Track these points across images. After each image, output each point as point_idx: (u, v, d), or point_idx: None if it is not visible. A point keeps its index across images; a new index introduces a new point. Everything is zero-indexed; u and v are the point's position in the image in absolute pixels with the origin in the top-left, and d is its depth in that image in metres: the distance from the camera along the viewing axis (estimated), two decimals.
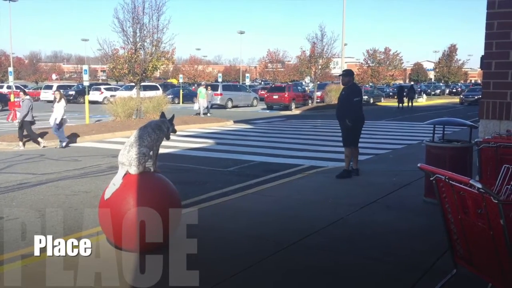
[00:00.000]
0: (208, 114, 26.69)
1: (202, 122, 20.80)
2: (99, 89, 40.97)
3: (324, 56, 35.49)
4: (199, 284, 3.88)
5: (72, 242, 5.17)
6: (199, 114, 26.52)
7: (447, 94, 64.01)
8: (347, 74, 8.62)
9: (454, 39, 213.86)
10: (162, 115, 5.16)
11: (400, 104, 35.28)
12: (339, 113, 8.49)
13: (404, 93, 36.33)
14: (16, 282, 3.94)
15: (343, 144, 8.56)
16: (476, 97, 39.17)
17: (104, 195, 4.58)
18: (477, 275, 3.07)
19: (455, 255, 3.21)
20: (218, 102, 33.81)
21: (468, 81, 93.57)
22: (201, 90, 27.70)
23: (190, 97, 42.93)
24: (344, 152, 8.58)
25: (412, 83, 53.92)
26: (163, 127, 4.86)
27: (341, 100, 8.55)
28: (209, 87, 29.73)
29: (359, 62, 65.88)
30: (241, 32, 74.39)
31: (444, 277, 3.33)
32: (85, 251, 4.71)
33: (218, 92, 34.12)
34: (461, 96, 45.32)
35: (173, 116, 5.18)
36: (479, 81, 69.82)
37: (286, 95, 31.98)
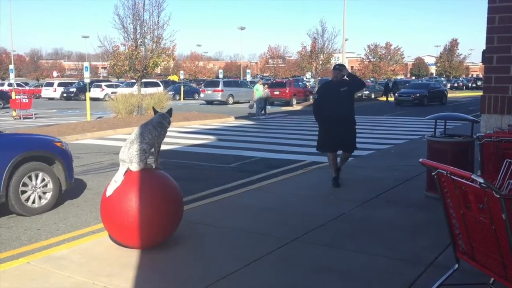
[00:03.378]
0: (263, 115, 24.06)
1: (203, 119, 20.79)
2: (100, 86, 40.97)
3: (325, 52, 35.44)
4: (200, 281, 3.89)
5: (74, 239, 5.19)
6: (254, 114, 23.94)
7: (448, 88, 63.89)
8: (344, 68, 7.46)
9: (455, 34, 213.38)
10: (155, 111, 5.08)
11: (386, 98, 36.25)
12: (344, 112, 7.16)
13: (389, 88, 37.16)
14: (17, 280, 3.95)
15: (351, 149, 7.39)
16: (412, 96, 31.20)
17: (105, 192, 4.59)
18: (479, 270, 3.07)
19: (457, 250, 3.21)
20: (219, 98, 33.81)
21: (470, 75, 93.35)
22: (258, 88, 24.41)
23: (191, 93, 42.96)
24: (342, 156, 7.49)
25: (395, 78, 53.47)
26: (164, 123, 4.84)
27: (343, 97, 7.17)
28: (266, 85, 26.58)
29: (360, 57, 65.79)
30: (242, 28, 74.31)
31: (446, 272, 3.33)
32: (87, 248, 4.74)
33: (219, 88, 34.11)
34: (396, 95, 34.06)
35: (170, 110, 5.15)
36: (480, 76, 69.67)
37: (287, 91, 31.97)
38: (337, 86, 7.26)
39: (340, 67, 7.40)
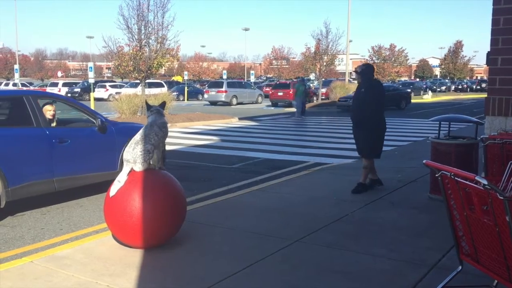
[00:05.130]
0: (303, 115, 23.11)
1: (207, 119, 20.81)
2: (104, 86, 41.11)
3: (329, 53, 35.40)
4: (203, 281, 3.89)
5: (77, 239, 5.20)
6: (301, 115, 22.77)
7: (452, 90, 63.82)
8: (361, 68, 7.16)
9: (460, 36, 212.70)
10: (148, 106, 5.12)
11: None
12: (359, 115, 6.94)
13: None
14: (20, 279, 3.96)
15: (363, 154, 7.06)
16: (350, 100, 26.80)
17: (109, 192, 4.60)
18: (482, 272, 3.06)
19: (461, 252, 3.20)
20: (223, 99, 33.86)
21: (474, 77, 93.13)
22: (299, 87, 22.93)
23: (195, 94, 43.02)
24: (364, 163, 7.09)
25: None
26: (166, 121, 4.92)
27: (359, 100, 7.00)
28: (306, 84, 25.08)
29: (364, 59, 65.81)
30: (246, 29, 74.41)
31: (450, 274, 3.33)
32: (90, 248, 4.75)
33: (223, 89, 34.17)
34: (337, 100, 30.21)
35: (163, 104, 5.24)
36: (485, 78, 69.45)
37: (290, 92, 31.89)
38: (357, 89, 7.16)
39: (356, 69, 7.17)
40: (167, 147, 6.86)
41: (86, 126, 7.38)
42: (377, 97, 6.92)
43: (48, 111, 7.11)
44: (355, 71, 7.19)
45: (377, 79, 7.52)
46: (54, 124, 7.15)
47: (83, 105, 7.65)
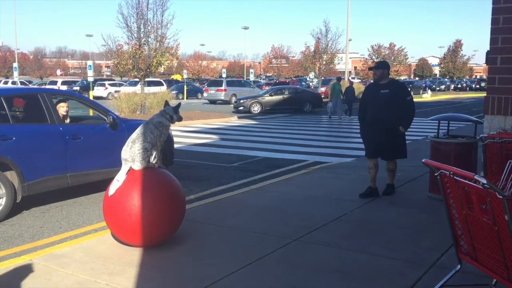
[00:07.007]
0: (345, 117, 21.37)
1: (206, 118, 20.81)
2: (103, 85, 41.05)
3: (329, 52, 35.45)
4: (202, 280, 3.89)
5: (76, 237, 5.20)
6: (342, 117, 21.05)
7: (452, 89, 63.86)
8: (380, 66, 6.68)
9: (459, 35, 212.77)
10: (166, 103, 5.15)
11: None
12: (384, 117, 6.38)
13: None
14: (19, 277, 3.96)
15: (389, 156, 6.67)
16: (242, 101, 25.75)
17: (108, 191, 4.59)
18: (481, 271, 3.06)
19: (460, 250, 3.21)
20: (222, 97, 33.87)
21: (474, 76, 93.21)
22: (336, 86, 21.19)
23: (194, 92, 42.99)
24: (388, 166, 6.74)
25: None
26: (163, 121, 4.84)
27: (382, 100, 6.43)
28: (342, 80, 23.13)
29: (363, 58, 65.78)
30: (245, 28, 74.23)
31: (448, 273, 3.33)
32: (89, 247, 4.75)
33: (222, 88, 34.17)
34: (235, 100, 29.06)
35: (178, 105, 5.13)
36: (484, 77, 69.46)
37: None
38: (377, 88, 6.61)
39: (374, 67, 6.71)
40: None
41: (98, 123, 7.61)
42: (402, 97, 6.47)
43: (62, 108, 7.25)
44: (372, 69, 6.70)
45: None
46: (67, 121, 7.32)
47: (95, 102, 7.84)
